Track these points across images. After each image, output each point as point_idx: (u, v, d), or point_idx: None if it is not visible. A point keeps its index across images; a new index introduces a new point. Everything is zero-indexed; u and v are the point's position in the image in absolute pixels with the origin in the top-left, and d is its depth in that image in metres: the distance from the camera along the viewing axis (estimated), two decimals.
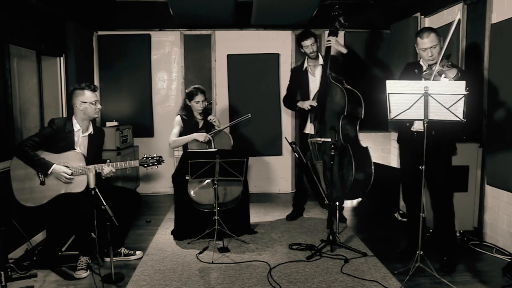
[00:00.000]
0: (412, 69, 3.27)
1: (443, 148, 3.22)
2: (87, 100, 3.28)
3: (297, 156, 3.95)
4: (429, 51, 3.06)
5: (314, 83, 4.23)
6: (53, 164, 3.13)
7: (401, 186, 3.41)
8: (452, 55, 4.18)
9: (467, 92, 2.69)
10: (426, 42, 3.04)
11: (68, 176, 3.15)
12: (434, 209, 3.41)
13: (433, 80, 2.91)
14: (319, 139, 3.93)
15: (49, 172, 3.12)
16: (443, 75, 2.92)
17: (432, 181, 3.32)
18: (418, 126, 3.22)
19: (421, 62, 3.25)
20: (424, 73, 3.07)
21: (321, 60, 4.21)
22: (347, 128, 3.85)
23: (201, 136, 3.88)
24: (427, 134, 2.92)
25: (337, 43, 3.97)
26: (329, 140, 3.81)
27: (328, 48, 3.96)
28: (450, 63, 3.00)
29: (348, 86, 3.91)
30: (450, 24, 2.95)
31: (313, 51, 4.14)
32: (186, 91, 4.12)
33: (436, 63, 3.00)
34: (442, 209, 3.28)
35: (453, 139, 3.33)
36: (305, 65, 4.29)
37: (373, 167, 3.76)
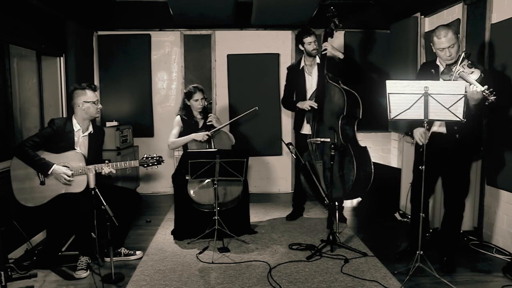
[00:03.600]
0: (428, 69, 3.18)
1: (466, 151, 3.14)
2: (89, 100, 3.29)
3: (294, 157, 3.95)
4: (447, 51, 2.95)
5: (311, 82, 4.23)
6: (54, 164, 3.13)
7: (411, 187, 3.32)
8: None
9: (495, 97, 2.62)
10: (443, 42, 2.93)
11: (68, 178, 3.14)
12: (446, 209, 3.34)
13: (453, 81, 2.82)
14: (318, 139, 3.92)
15: (49, 172, 3.12)
16: (467, 81, 2.74)
17: (450, 183, 3.25)
18: (437, 128, 3.16)
19: (437, 62, 3.15)
20: (442, 74, 2.98)
21: (318, 59, 4.21)
22: (346, 128, 3.85)
23: (199, 136, 3.88)
24: (451, 136, 2.88)
25: (333, 49, 3.99)
26: (328, 140, 3.82)
27: (324, 55, 3.99)
28: (470, 62, 2.85)
29: (345, 87, 3.91)
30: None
31: (314, 48, 4.13)
32: (185, 90, 4.13)
33: (455, 62, 2.91)
34: (454, 210, 3.23)
35: (479, 142, 3.25)
36: (302, 64, 4.29)
37: (372, 166, 3.77)
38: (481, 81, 2.76)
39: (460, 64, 2.87)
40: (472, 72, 2.81)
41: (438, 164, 3.14)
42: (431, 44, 3.08)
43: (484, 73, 2.84)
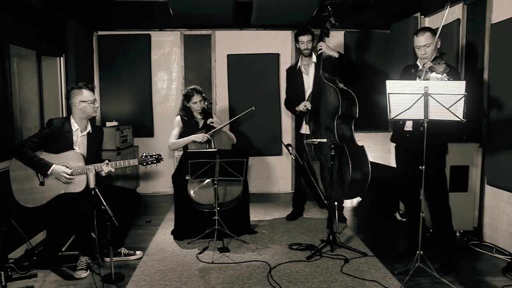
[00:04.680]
0: (409, 70, 3.32)
1: (434, 147, 3.17)
2: (86, 99, 3.28)
3: (293, 158, 3.94)
4: (422, 49, 3.12)
5: (308, 82, 4.23)
6: (53, 164, 3.13)
7: (399, 186, 3.42)
8: (452, 55, 4.18)
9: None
10: (420, 40, 3.12)
11: (68, 176, 3.15)
12: (429, 209, 3.40)
13: (423, 77, 2.94)
14: (315, 140, 3.92)
15: (48, 172, 3.12)
16: (434, 72, 2.93)
17: (426, 181, 3.29)
18: (409, 126, 3.24)
19: (417, 63, 3.28)
20: (419, 71, 3.10)
21: (314, 58, 4.21)
22: (342, 128, 3.84)
23: (199, 137, 3.88)
24: (419, 133, 2.91)
25: (328, 48, 3.98)
26: (325, 140, 3.81)
27: (320, 55, 3.98)
28: (443, 61, 3.01)
29: (342, 86, 3.91)
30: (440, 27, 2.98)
31: (307, 48, 4.16)
32: (183, 92, 4.13)
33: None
34: (437, 209, 3.26)
35: (445, 138, 3.30)
36: (299, 64, 4.30)
37: (369, 165, 3.75)
38: (446, 73, 2.90)
39: (432, 61, 2.99)
40: (440, 66, 2.98)
41: (414, 162, 3.13)
42: (413, 44, 3.23)
43: (452, 70, 2.99)
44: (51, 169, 3.12)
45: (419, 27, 4.78)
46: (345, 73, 4.06)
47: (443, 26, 4.43)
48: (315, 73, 4.06)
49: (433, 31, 3.15)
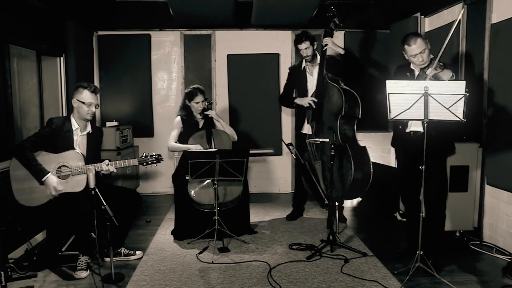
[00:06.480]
0: (404, 72, 3.27)
1: (442, 148, 3.19)
2: (83, 100, 3.24)
3: (294, 157, 3.95)
4: (419, 57, 3.06)
5: (312, 82, 4.22)
6: (49, 173, 3.10)
7: (399, 187, 3.42)
8: (452, 55, 4.18)
9: (468, 93, 2.69)
10: (414, 49, 3.05)
11: (54, 193, 3.10)
12: (426, 209, 3.37)
13: None
14: (317, 139, 3.92)
15: (43, 179, 3.08)
16: (440, 80, 2.88)
17: (426, 181, 3.28)
18: (415, 127, 3.21)
19: (412, 66, 3.24)
20: (418, 77, 3.08)
21: (319, 60, 4.20)
22: (345, 128, 3.84)
23: (196, 148, 3.87)
24: (430, 135, 2.91)
25: (334, 44, 3.95)
26: (327, 140, 3.81)
27: (324, 51, 3.96)
28: (441, 64, 2.98)
29: (345, 86, 3.90)
30: (451, 25, 2.96)
31: (307, 55, 4.14)
32: (186, 91, 4.13)
33: (428, 66, 3.02)
34: (436, 209, 3.23)
35: (452, 139, 3.31)
36: (303, 64, 4.29)
37: (371, 166, 3.76)
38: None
39: (433, 67, 2.96)
40: (444, 72, 2.94)
41: (417, 163, 3.13)
42: (403, 52, 3.17)
43: (455, 73, 2.96)
44: (45, 177, 3.09)
45: (419, 27, 4.79)
46: (351, 70, 4.04)
47: (442, 26, 4.46)
48: (319, 73, 4.05)
49: (422, 36, 3.11)
